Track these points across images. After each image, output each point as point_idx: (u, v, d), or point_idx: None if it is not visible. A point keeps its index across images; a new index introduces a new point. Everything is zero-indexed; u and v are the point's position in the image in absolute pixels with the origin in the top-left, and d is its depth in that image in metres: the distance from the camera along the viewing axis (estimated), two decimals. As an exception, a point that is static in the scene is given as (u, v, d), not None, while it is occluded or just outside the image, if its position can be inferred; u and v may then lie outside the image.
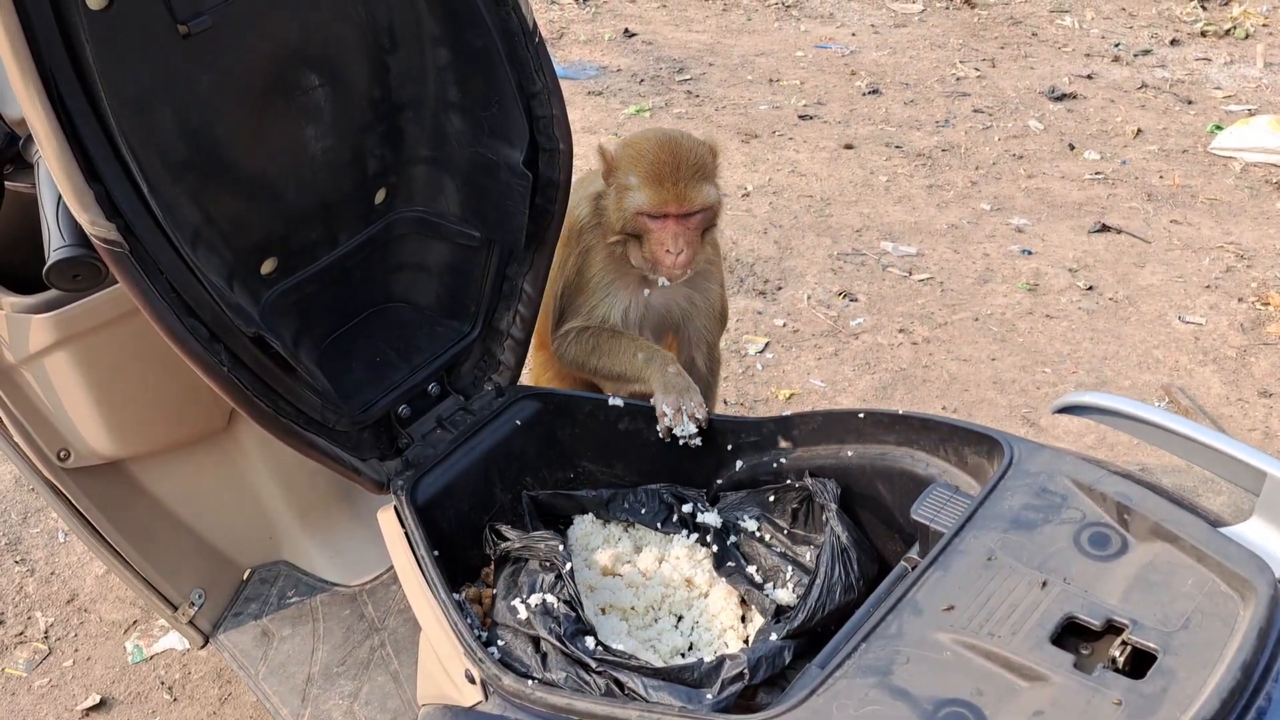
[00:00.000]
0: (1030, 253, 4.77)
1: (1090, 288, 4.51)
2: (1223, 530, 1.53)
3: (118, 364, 2.27)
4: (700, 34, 7.38)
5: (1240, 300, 4.42)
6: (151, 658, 2.95)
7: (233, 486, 2.66)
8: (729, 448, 2.20)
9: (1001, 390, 3.91)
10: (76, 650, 2.98)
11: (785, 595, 2.00)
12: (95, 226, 1.60)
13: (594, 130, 5.79)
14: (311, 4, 1.91)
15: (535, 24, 2.05)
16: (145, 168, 1.65)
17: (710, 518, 2.15)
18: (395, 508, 2.02)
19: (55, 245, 1.71)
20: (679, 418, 2.16)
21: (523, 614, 1.83)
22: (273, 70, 1.90)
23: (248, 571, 2.73)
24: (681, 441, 2.17)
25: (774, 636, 1.77)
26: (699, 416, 2.15)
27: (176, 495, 2.58)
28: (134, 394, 2.33)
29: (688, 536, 2.18)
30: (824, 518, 1.95)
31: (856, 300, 4.40)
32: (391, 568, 2.58)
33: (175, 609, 2.57)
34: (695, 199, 2.24)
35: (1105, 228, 4.97)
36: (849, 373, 4.00)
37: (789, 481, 2.10)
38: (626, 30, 7.36)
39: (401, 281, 2.33)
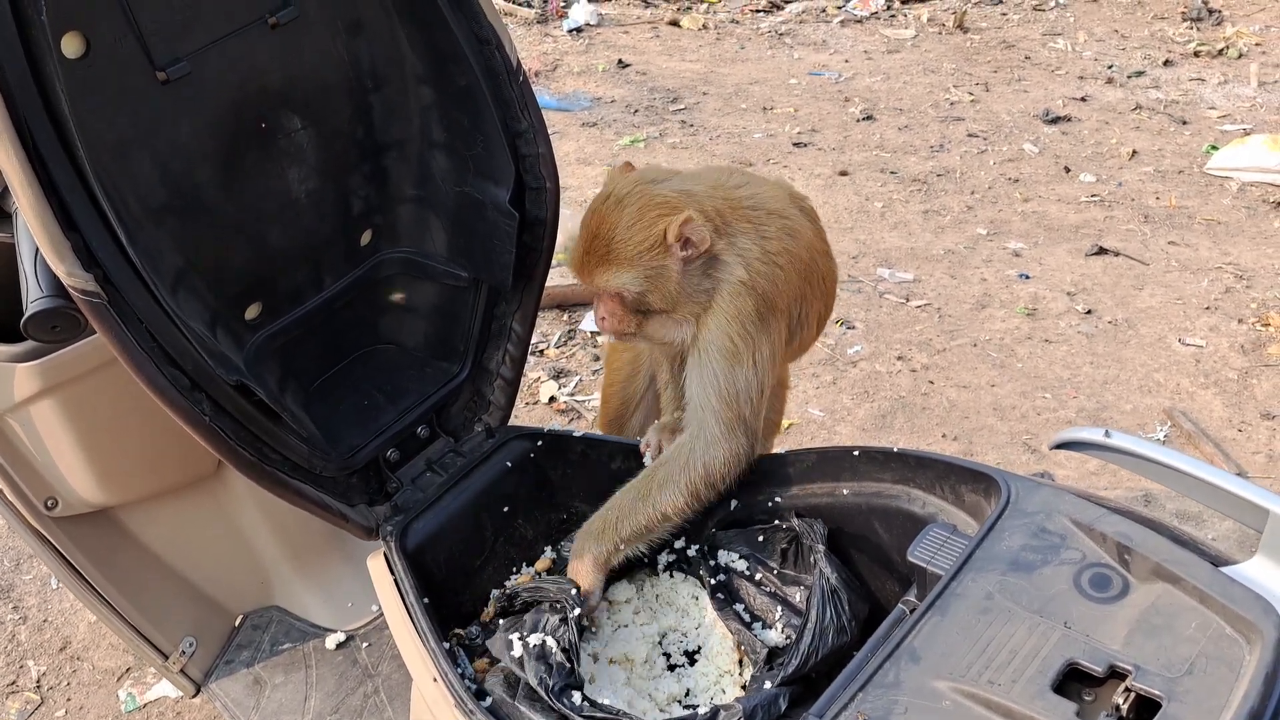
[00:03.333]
0: (1028, 277, 4.75)
1: (1089, 311, 4.49)
2: (1226, 570, 1.50)
3: (104, 411, 2.24)
4: (694, 63, 7.41)
5: (1240, 321, 4.39)
6: (144, 706, 2.90)
7: (223, 532, 2.63)
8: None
9: (1002, 417, 3.88)
10: (69, 700, 2.94)
11: (775, 635, 1.97)
12: (72, 277, 1.58)
13: (589, 161, 5.80)
14: (292, 46, 1.90)
15: (519, 63, 2.04)
16: (123, 216, 1.64)
17: (698, 556, 2.13)
18: (385, 554, 1.99)
19: (33, 297, 1.69)
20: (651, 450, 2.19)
21: (517, 650, 1.79)
22: (254, 113, 1.89)
23: (239, 618, 2.69)
24: None
25: (769, 684, 1.73)
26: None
27: (166, 542, 2.55)
28: (121, 441, 2.31)
29: (685, 578, 2.14)
30: (812, 559, 1.92)
31: (854, 328, 4.38)
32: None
33: (166, 658, 2.54)
34: (598, 282, 1.98)
35: (1103, 250, 4.95)
36: (847, 401, 3.97)
37: (777, 522, 2.06)
38: (620, 61, 7.39)
39: (389, 323, 2.31)
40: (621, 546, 2.00)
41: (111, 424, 2.28)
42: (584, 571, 1.99)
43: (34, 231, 1.57)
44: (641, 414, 2.55)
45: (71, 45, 1.60)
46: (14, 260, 1.85)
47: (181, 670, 2.57)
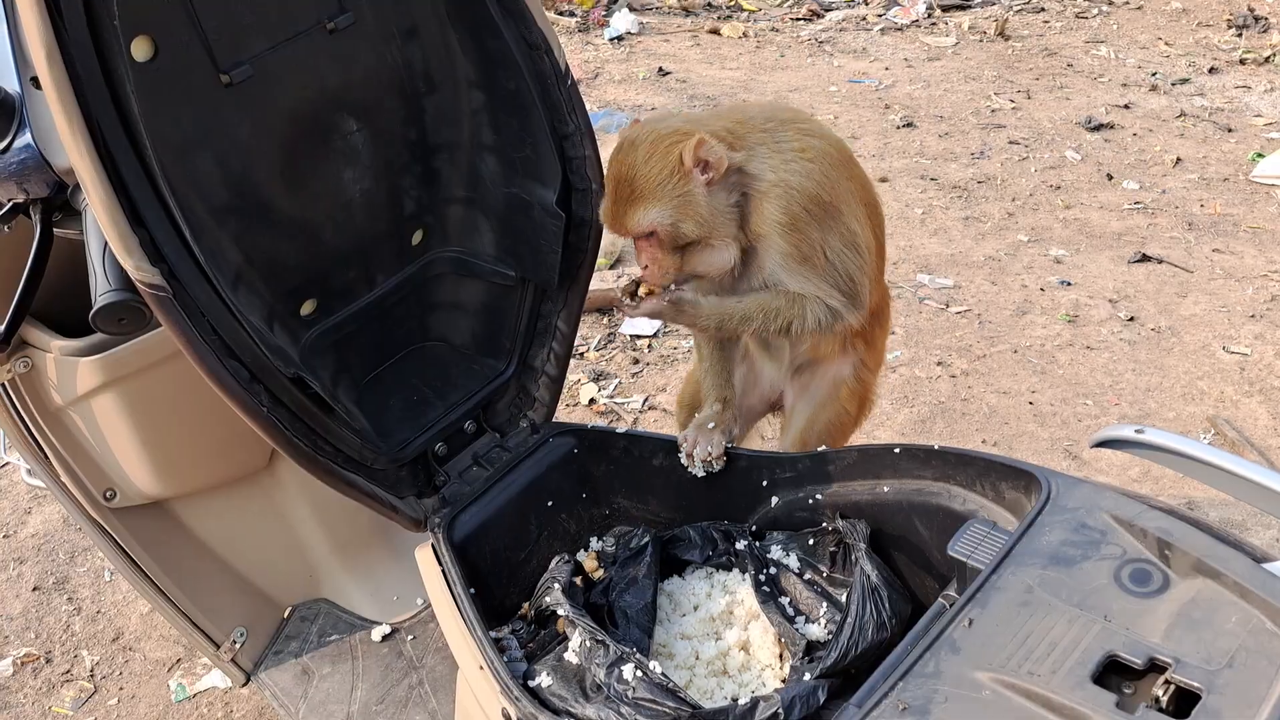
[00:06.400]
0: (1069, 284, 4.73)
1: (1131, 318, 4.46)
2: (1267, 566, 1.50)
3: (162, 405, 2.31)
4: (734, 71, 7.43)
5: (1286, 329, 4.34)
6: (194, 696, 2.97)
7: (273, 525, 2.69)
8: (764, 484, 2.19)
9: (1042, 423, 3.87)
10: (121, 689, 3.02)
11: (816, 630, 1.99)
12: (140, 271, 1.64)
13: (629, 168, 5.84)
14: (349, 51, 1.95)
15: (567, 67, 2.09)
16: (188, 213, 1.69)
17: (745, 550, 2.15)
18: (432, 545, 2.03)
19: (101, 290, 1.76)
20: (690, 459, 2.19)
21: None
22: (312, 116, 1.95)
23: (288, 609, 2.75)
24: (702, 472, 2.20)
25: (807, 676, 1.76)
26: (708, 460, 2.17)
27: (219, 534, 2.61)
28: (177, 434, 2.37)
29: (731, 571, 2.17)
30: (853, 557, 1.94)
31: (894, 333, 4.38)
32: (429, 604, 2.60)
33: (218, 647, 2.60)
34: (630, 225, 2.00)
35: (1146, 258, 4.92)
36: (887, 406, 3.97)
37: (824, 525, 2.09)
38: (660, 69, 7.43)
39: (438, 321, 2.36)
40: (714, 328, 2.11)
41: (168, 418, 2.35)
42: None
43: (103, 226, 1.63)
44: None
45: (141, 48, 1.66)
46: (78, 259, 1.92)
47: (233, 660, 2.63)
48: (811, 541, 2.12)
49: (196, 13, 1.72)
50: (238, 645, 2.61)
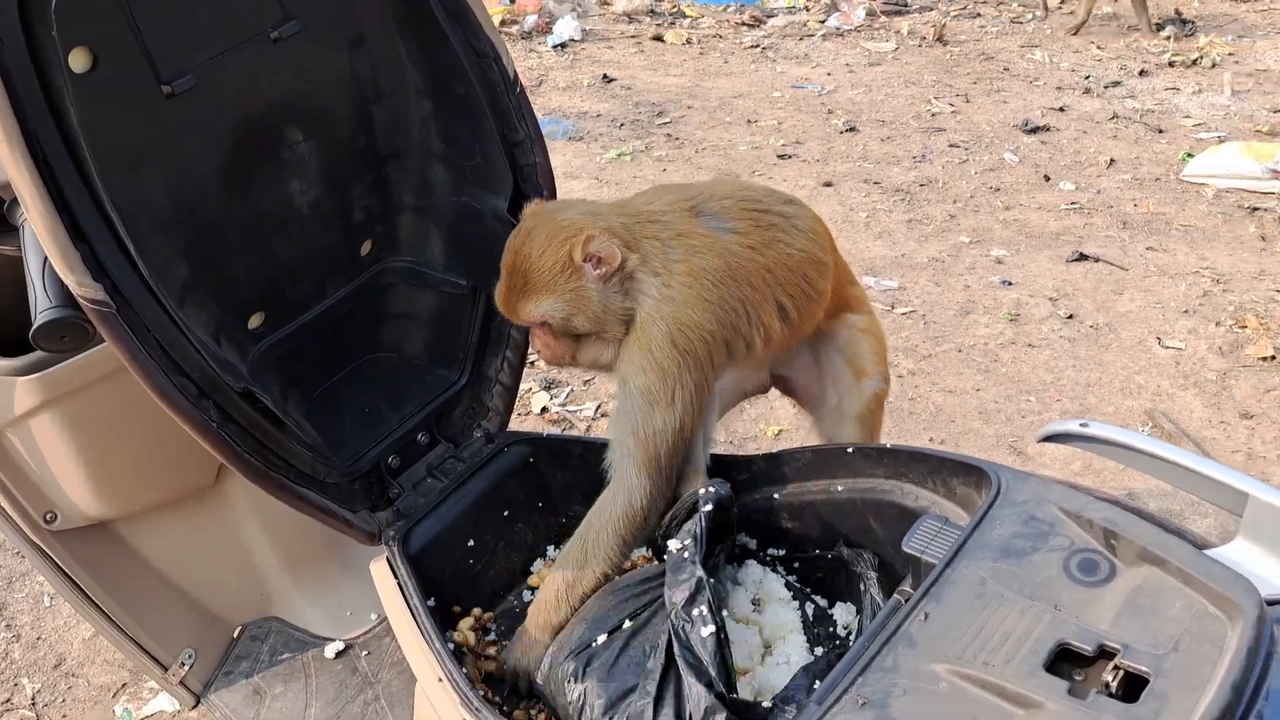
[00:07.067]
0: (1010, 283, 4.82)
1: (1071, 316, 4.56)
2: (1208, 552, 1.55)
3: (103, 424, 2.26)
4: (678, 78, 7.48)
5: (1218, 324, 4.47)
6: (141, 720, 2.91)
7: (222, 543, 2.65)
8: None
9: (987, 420, 3.94)
10: (65, 716, 2.94)
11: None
12: (82, 287, 1.61)
13: (575, 175, 5.85)
14: (295, 60, 1.93)
15: (516, 75, 2.09)
16: (131, 227, 1.66)
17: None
18: (388, 558, 2.02)
19: (42, 307, 1.72)
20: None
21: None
22: (258, 126, 1.92)
23: (238, 629, 2.71)
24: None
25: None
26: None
27: (165, 554, 2.56)
28: (120, 453, 2.32)
29: (753, 564, 2.18)
30: (862, 586, 1.98)
31: (841, 336, 4.43)
32: (384, 619, 2.57)
33: (166, 669, 2.55)
34: (522, 314, 1.98)
35: (1083, 256, 5.03)
36: (836, 408, 4.01)
37: (818, 553, 2.11)
38: (605, 76, 7.45)
39: (389, 331, 2.35)
40: (576, 609, 1.99)
41: (110, 436, 2.30)
42: (539, 640, 2.00)
43: (44, 242, 1.59)
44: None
45: (79, 59, 1.63)
46: (14, 277, 1.88)
47: (181, 682, 2.58)
48: (797, 565, 2.15)
49: (137, 22, 1.69)
50: (186, 667, 2.57)
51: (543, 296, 1.95)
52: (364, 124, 2.09)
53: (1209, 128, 6.54)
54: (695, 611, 1.70)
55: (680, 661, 1.66)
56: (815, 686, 1.69)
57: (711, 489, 1.95)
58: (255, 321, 2.05)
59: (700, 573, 1.75)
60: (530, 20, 8.46)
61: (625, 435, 1.99)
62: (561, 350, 2.03)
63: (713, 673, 1.63)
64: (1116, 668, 1.41)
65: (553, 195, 2.15)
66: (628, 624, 1.87)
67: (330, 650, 2.65)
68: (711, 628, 1.68)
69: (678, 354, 1.95)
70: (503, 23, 8.35)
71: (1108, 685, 1.40)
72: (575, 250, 1.91)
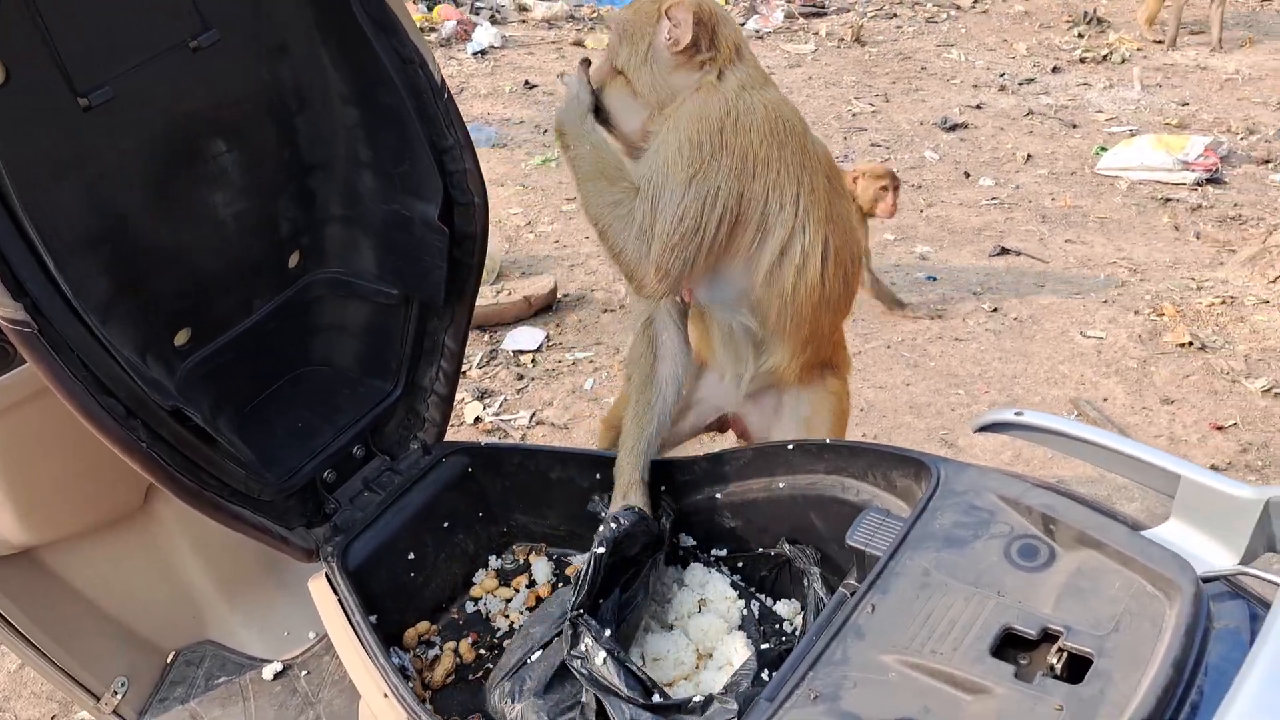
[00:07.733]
0: (935, 279, 4.91)
1: (995, 309, 4.66)
2: (1144, 533, 1.59)
3: (25, 448, 2.18)
4: (601, 83, 7.47)
5: (1136, 313, 4.60)
6: (73, 753, 2.82)
7: (152, 567, 2.58)
8: (662, 488, 2.21)
9: (918, 414, 4.00)
10: (-8, 752, 2.84)
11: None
12: (1, 307, 1.55)
13: (500, 182, 5.81)
14: (216, 69, 1.89)
15: (443, 81, 2.07)
16: (51, 244, 1.61)
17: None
18: (327, 575, 1.98)
19: None
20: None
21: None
22: (179, 137, 1.88)
23: (171, 654, 2.63)
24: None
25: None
26: None
27: (93, 580, 2.48)
28: (44, 478, 2.24)
29: (692, 565, 2.20)
30: (805, 582, 2.00)
31: (773, 335, 4.47)
32: (323, 637, 2.52)
33: (98, 699, 2.47)
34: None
35: (1005, 250, 5.15)
36: (771, 407, 4.04)
37: (760, 550, 2.13)
38: (527, 82, 7.43)
39: (321, 344, 2.31)
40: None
41: (33, 461, 2.22)
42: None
43: None
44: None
45: None
46: None
47: (114, 711, 2.50)
48: (741, 565, 2.15)
49: (50, 34, 1.64)
50: (119, 696, 2.49)
51: (624, 14, 2.12)
52: (288, 134, 2.05)
53: (1121, 122, 6.75)
54: (581, 648, 1.75)
55: (597, 694, 1.69)
56: (764, 675, 1.70)
57: (614, 524, 1.95)
58: (182, 338, 2.00)
59: (570, 614, 1.80)
60: (449, 27, 8.40)
61: (655, 171, 1.99)
62: (606, 73, 2.13)
63: (625, 690, 1.67)
64: (1060, 650, 1.44)
65: (484, 201, 2.14)
66: (556, 640, 1.88)
67: (268, 672, 2.59)
68: (603, 653, 1.72)
69: (719, 142, 1.97)
70: (421, 29, 8.29)
71: (1053, 667, 1.43)
72: (664, 4, 2.02)
